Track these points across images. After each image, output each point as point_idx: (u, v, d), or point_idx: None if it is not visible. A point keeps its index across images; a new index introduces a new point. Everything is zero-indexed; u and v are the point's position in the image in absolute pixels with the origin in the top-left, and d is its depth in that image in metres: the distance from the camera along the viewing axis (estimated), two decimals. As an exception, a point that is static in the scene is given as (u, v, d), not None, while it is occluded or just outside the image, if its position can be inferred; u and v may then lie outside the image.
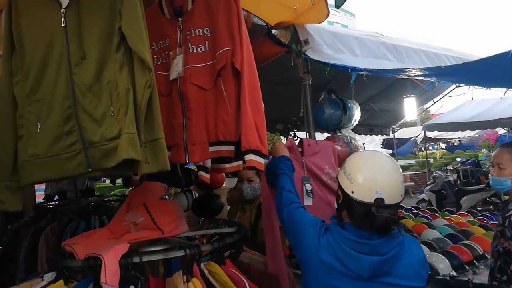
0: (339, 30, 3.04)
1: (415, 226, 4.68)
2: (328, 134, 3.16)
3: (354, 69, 2.34)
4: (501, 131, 11.73)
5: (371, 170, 1.40)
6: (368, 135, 9.94)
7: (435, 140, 15.08)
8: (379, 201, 1.33)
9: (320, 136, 2.95)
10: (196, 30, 1.66)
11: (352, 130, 8.98)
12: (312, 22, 2.65)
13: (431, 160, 18.55)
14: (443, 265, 3.31)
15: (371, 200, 1.34)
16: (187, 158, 1.60)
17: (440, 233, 4.29)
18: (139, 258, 1.42)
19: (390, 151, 11.69)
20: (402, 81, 4.11)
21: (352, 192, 1.38)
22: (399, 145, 16.31)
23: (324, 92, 3.08)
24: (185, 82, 1.62)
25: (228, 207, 3.06)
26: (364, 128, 8.65)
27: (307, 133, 2.66)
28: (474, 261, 3.42)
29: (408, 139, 16.26)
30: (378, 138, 16.34)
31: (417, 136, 13.38)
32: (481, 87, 5.54)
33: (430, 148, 23.77)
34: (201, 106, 1.61)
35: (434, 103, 8.00)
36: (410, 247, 1.44)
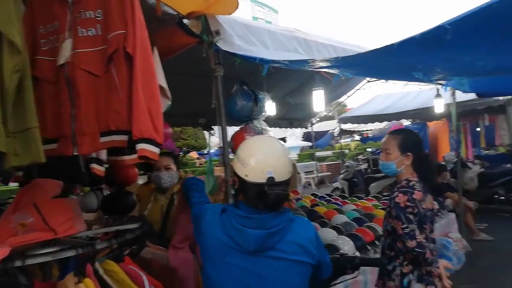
0: (251, 23, 3.06)
1: (326, 212, 4.99)
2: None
3: (262, 60, 2.37)
4: (405, 122, 12.91)
5: (262, 153, 1.48)
6: (290, 128, 10.36)
7: (351, 133, 16.09)
8: (270, 179, 1.42)
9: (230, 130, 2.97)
10: (87, 12, 1.54)
11: (274, 123, 9.15)
12: (223, 13, 2.63)
13: (346, 151, 19.87)
14: (348, 247, 3.57)
15: (263, 180, 1.42)
16: (75, 149, 1.48)
17: (348, 217, 4.66)
18: (21, 262, 1.30)
19: (310, 144, 12.23)
20: (315, 75, 4.28)
21: (246, 175, 1.45)
22: (318, 138, 17.18)
23: (237, 84, 3.09)
24: (74, 68, 1.50)
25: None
26: (285, 121, 8.96)
27: (220, 125, 2.64)
28: (375, 241, 3.73)
29: (326, 131, 17.21)
30: (299, 131, 17.09)
31: (334, 129, 14.19)
32: (380, 79, 6.00)
33: (347, 140, 25.41)
34: (91, 94, 1.50)
35: (348, 97, 8.58)
36: (299, 225, 1.53)
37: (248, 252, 1.43)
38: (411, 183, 2.16)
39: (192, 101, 4.86)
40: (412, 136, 2.31)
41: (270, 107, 5.87)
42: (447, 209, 5.59)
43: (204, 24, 2.63)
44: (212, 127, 6.02)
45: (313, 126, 9.96)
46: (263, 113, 3.10)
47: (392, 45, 2.02)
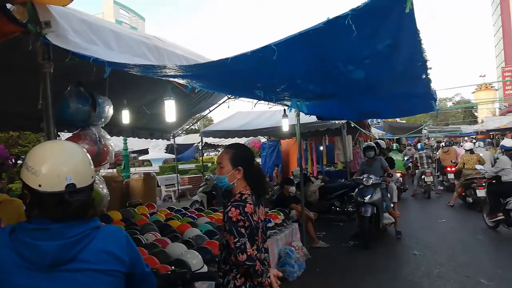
0: (93, 19, 2.80)
1: (180, 226, 4.88)
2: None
3: (96, 60, 2.17)
4: (263, 139, 13.84)
5: (56, 158, 1.32)
6: (154, 140, 9.98)
7: (215, 147, 16.42)
8: (70, 186, 1.28)
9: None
10: None
11: (132, 133, 8.62)
12: (55, 3, 2.34)
13: (210, 164, 20.20)
14: (196, 261, 3.52)
15: (62, 188, 1.27)
16: None
17: (201, 230, 4.64)
18: None
19: (173, 156, 12.01)
20: (167, 85, 4.18)
21: (40, 185, 1.26)
22: (183, 150, 17.06)
23: (71, 84, 2.78)
24: None
25: None
26: (145, 132, 8.60)
27: (46, 129, 2.31)
28: (222, 253, 3.74)
29: (191, 144, 17.24)
30: (162, 143, 16.70)
31: (199, 143, 14.30)
32: (231, 95, 6.23)
33: (212, 153, 25.77)
34: None
35: (210, 111, 8.75)
36: (107, 232, 1.40)
37: (44, 269, 1.23)
38: (243, 197, 2.22)
39: (26, 101, 4.23)
40: (243, 151, 2.38)
41: (124, 115, 5.61)
42: (292, 219, 6.07)
43: (31, 12, 2.29)
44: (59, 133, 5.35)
45: (175, 138, 9.84)
46: (102, 119, 2.84)
47: (226, 59, 2.08)
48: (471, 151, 9.85)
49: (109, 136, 2.84)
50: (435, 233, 7.29)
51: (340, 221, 8.22)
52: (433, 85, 4.13)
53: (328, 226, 7.78)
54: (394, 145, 14.75)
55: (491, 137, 22.17)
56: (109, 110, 2.95)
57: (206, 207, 7.62)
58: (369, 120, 13.08)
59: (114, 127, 7.17)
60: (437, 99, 4.56)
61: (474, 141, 18.74)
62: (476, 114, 48.43)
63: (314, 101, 4.64)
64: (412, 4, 1.79)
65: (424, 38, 2.14)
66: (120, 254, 1.37)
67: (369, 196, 6.42)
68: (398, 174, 11.78)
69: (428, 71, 2.84)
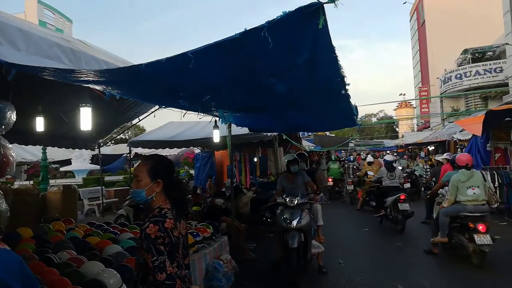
0: (-2, 17, 2.54)
1: (99, 242, 4.55)
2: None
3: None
4: (197, 150, 13.63)
5: None
6: (77, 150, 9.31)
7: (145, 157, 15.79)
8: None
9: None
10: None
11: (51, 142, 7.96)
12: None
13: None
14: (113, 280, 3.28)
15: None
16: None
17: (123, 247, 4.36)
18: None
19: (98, 167, 11.31)
20: (83, 91, 3.92)
21: None
22: (111, 161, 16.19)
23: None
24: None
25: None
26: (67, 141, 8.00)
27: None
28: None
29: (120, 155, 16.42)
30: (88, 153, 15.70)
31: (128, 153, 13.66)
32: (154, 104, 6.07)
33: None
34: None
35: (140, 120, 8.40)
36: None
37: None
38: (163, 211, 2.10)
39: None
40: (162, 162, 2.26)
41: (39, 123, 5.16)
42: (222, 232, 5.99)
43: None
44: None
45: (101, 148, 9.29)
46: (2, 126, 2.56)
47: (140, 65, 1.99)
48: (369, 163, 12.21)
49: (9, 145, 2.55)
50: (359, 241, 7.66)
51: (271, 232, 8.29)
52: (353, 101, 4.37)
53: (259, 238, 7.81)
54: (333, 156, 17.66)
55: (409, 150, 24.11)
56: (11, 117, 2.66)
57: (132, 222, 7.24)
58: (300, 133, 13.56)
59: (30, 136, 6.58)
60: (358, 115, 4.84)
61: (395, 154, 20.50)
62: (397, 129, 52.52)
63: (241, 112, 4.66)
64: (325, 21, 1.85)
65: (341, 55, 2.24)
66: (11, 281, 1.19)
67: (296, 220, 5.23)
68: (330, 180, 13.77)
69: (347, 86, 2.98)
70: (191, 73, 2.32)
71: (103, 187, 11.06)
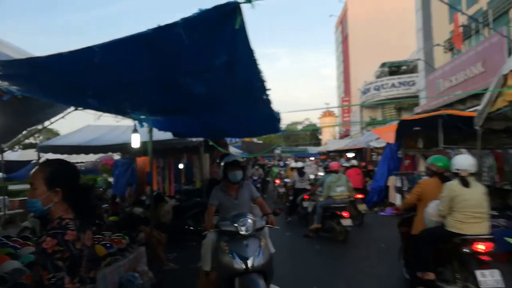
0: None
1: (-6, 258, 4.02)
2: None
3: None
4: (117, 156, 12.85)
5: None
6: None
7: (43, 163, 14.53)
8: None
9: None
10: None
11: None
12: None
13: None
14: (4, 303, 2.91)
15: None
16: None
17: (23, 262, 3.93)
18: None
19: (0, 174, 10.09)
20: None
21: None
22: (18, 168, 14.63)
23: None
24: None
25: None
26: (-39, 144, 7.02)
27: None
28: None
29: (29, 161, 14.92)
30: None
31: (38, 159, 12.43)
32: (63, 104, 5.59)
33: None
34: None
35: (51, 123, 7.64)
36: None
37: None
38: (63, 222, 1.88)
39: None
40: (63, 168, 2.01)
41: None
42: (140, 242, 5.64)
43: None
44: None
45: (4, 153, 8.32)
46: None
47: (38, 57, 1.74)
48: (292, 168, 12.74)
49: None
50: (280, 245, 7.76)
51: (193, 240, 8.03)
52: (279, 108, 4.40)
53: (181, 247, 7.52)
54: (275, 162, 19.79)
55: (331, 157, 25.38)
56: None
57: (38, 234, 6.52)
58: (228, 139, 13.51)
59: None
60: (281, 121, 4.89)
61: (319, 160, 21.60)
62: (320, 137, 55.22)
63: (160, 115, 4.43)
64: (242, 21, 1.77)
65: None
66: None
67: (255, 257, 3.55)
68: (278, 181, 14.80)
69: (268, 92, 2.95)
70: (99, 69, 2.10)
71: (7, 197, 9.89)
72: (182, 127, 5.54)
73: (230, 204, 4.21)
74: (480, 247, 4.00)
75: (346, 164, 10.76)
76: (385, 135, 11.40)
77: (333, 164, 9.08)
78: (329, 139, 40.09)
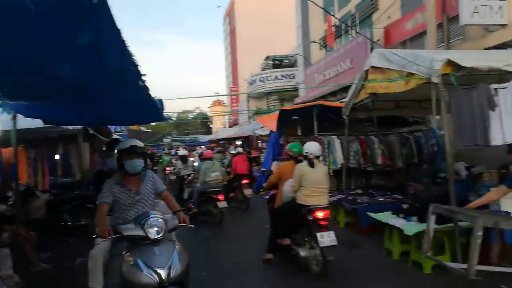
0: None
1: None
2: None
3: None
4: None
5: None
6: None
7: None
8: None
9: None
10: None
11: None
12: None
13: None
14: None
15: None
16: None
17: None
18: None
19: None
20: None
21: None
22: None
23: None
24: None
25: None
26: None
27: None
28: None
29: None
30: None
31: None
32: None
33: None
34: None
35: None
36: None
37: None
38: None
39: None
40: None
41: None
42: (2, 243, 5.00)
43: None
44: None
45: None
46: None
47: None
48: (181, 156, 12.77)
49: None
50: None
51: (70, 236, 7.40)
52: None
53: (56, 244, 6.87)
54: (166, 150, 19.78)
55: (221, 145, 25.84)
56: None
57: None
58: (112, 127, 12.66)
59: None
60: (164, 108, 4.81)
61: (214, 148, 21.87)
62: (211, 125, 55.60)
63: (25, 101, 3.97)
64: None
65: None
66: None
67: (169, 266, 2.91)
68: (168, 169, 15.31)
69: (143, 77, 2.88)
70: None
71: None
72: (54, 113, 5.04)
73: (130, 201, 3.36)
74: (319, 214, 4.93)
75: (233, 151, 11.11)
76: (269, 123, 12.05)
77: (207, 152, 9.76)
78: (220, 128, 40.68)
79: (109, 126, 11.26)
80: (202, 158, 9.74)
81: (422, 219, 5.02)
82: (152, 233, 3.01)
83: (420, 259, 4.81)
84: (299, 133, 10.99)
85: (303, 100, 20.41)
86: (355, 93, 7.54)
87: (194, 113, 65.51)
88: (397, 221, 5.31)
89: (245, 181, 9.91)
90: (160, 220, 3.09)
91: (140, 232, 3.01)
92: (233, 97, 41.28)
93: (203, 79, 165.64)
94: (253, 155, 15.66)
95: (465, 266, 3.52)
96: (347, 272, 5.12)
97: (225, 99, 58.93)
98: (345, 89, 13.37)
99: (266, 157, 12.89)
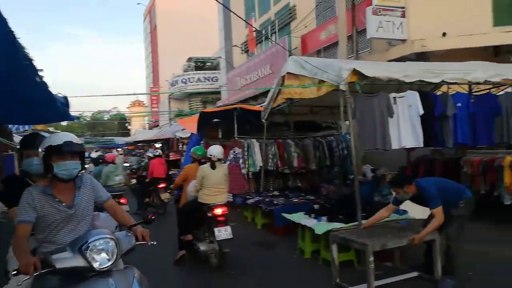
0: None
1: None
2: None
3: None
4: None
5: None
6: None
7: None
8: None
9: None
10: None
11: None
12: None
13: None
14: None
15: None
16: None
17: None
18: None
19: None
20: None
21: None
22: None
23: None
24: None
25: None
26: None
27: None
28: None
29: None
30: None
31: None
32: None
33: None
34: None
35: None
36: None
37: None
38: None
39: None
40: None
41: None
42: None
43: None
44: None
45: None
46: None
47: None
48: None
49: None
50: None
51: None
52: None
53: None
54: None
55: (139, 148, 24.81)
56: None
57: None
58: (14, 126, 11.43)
59: None
60: (70, 107, 4.46)
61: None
62: (129, 127, 53.15)
63: None
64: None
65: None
66: None
67: None
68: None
69: (40, 73, 2.63)
70: None
71: None
72: None
73: (61, 217, 2.46)
74: (218, 211, 5.39)
75: (150, 154, 10.72)
76: (190, 126, 11.87)
77: (109, 156, 9.66)
78: (138, 129, 39.05)
79: (9, 126, 10.14)
80: (101, 161, 9.64)
81: (332, 218, 5.36)
82: (100, 261, 2.23)
83: (329, 258, 5.09)
84: (220, 136, 10.99)
85: (225, 103, 20.53)
86: (273, 97, 7.77)
87: (111, 113, 62.09)
88: (309, 221, 5.55)
89: (162, 185, 9.62)
90: (110, 241, 2.32)
91: (81, 262, 2.20)
92: (154, 97, 39.93)
93: (122, 78, 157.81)
94: (172, 158, 15.28)
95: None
96: (256, 269, 5.31)
97: (145, 100, 56.82)
98: (266, 93, 13.69)
99: (185, 159, 12.68)
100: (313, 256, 5.59)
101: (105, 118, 52.41)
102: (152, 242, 2.67)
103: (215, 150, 5.68)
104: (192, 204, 5.70)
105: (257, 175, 9.05)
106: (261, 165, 8.87)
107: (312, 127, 10.23)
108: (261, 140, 9.00)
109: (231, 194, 8.96)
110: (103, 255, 2.27)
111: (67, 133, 2.66)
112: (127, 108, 59.93)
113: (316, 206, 6.05)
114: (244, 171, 8.90)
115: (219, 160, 5.65)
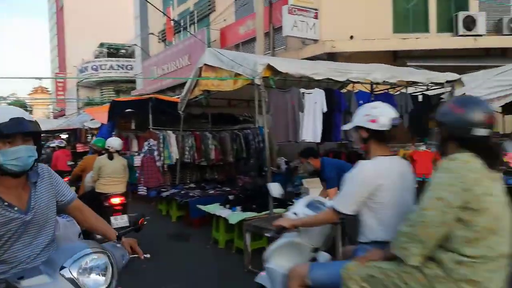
0: None
1: None
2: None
3: None
4: None
5: None
6: None
7: None
8: None
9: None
10: None
11: None
12: None
13: None
14: None
15: None
16: None
17: None
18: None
19: None
20: None
21: None
22: None
23: None
24: None
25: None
26: None
27: None
28: None
29: None
30: None
31: None
32: None
33: None
34: None
35: None
36: None
37: None
38: None
39: None
40: None
41: None
42: None
43: None
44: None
45: None
46: None
47: None
48: None
49: None
50: None
51: None
52: None
53: None
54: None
55: (42, 138, 22.67)
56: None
57: None
58: None
59: None
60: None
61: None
62: (31, 116, 48.16)
63: None
64: None
65: None
66: None
67: None
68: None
69: None
70: None
71: None
72: None
73: (14, 227, 1.72)
74: (114, 200, 5.59)
75: (52, 145, 9.90)
76: (99, 116, 11.19)
77: None
78: (41, 118, 35.56)
79: None
80: None
81: (246, 208, 5.51)
82: (92, 285, 1.60)
83: (243, 246, 5.24)
84: (133, 127, 10.55)
85: (141, 93, 19.68)
86: (190, 89, 7.69)
87: (9, 100, 55.48)
88: (223, 212, 5.65)
89: (66, 179, 8.95)
90: (101, 257, 1.66)
91: None
92: (60, 84, 36.63)
93: (22, 61, 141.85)
94: (79, 150, 14.24)
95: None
96: (169, 261, 5.24)
97: (50, 86, 51.82)
98: (183, 84, 13.48)
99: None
100: (227, 246, 5.70)
101: (1, 105, 46.79)
102: (146, 255, 2.12)
103: (114, 142, 5.93)
104: (89, 194, 5.82)
105: (173, 167, 8.89)
106: (177, 157, 8.73)
107: (230, 120, 10.34)
108: (178, 132, 8.85)
109: (145, 188, 8.72)
110: (94, 276, 1.61)
111: (13, 107, 1.88)
112: (29, 94, 54.17)
113: (231, 197, 6.17)
114: (159, 163, 8.67)
115: (117, 151, 5.88)
